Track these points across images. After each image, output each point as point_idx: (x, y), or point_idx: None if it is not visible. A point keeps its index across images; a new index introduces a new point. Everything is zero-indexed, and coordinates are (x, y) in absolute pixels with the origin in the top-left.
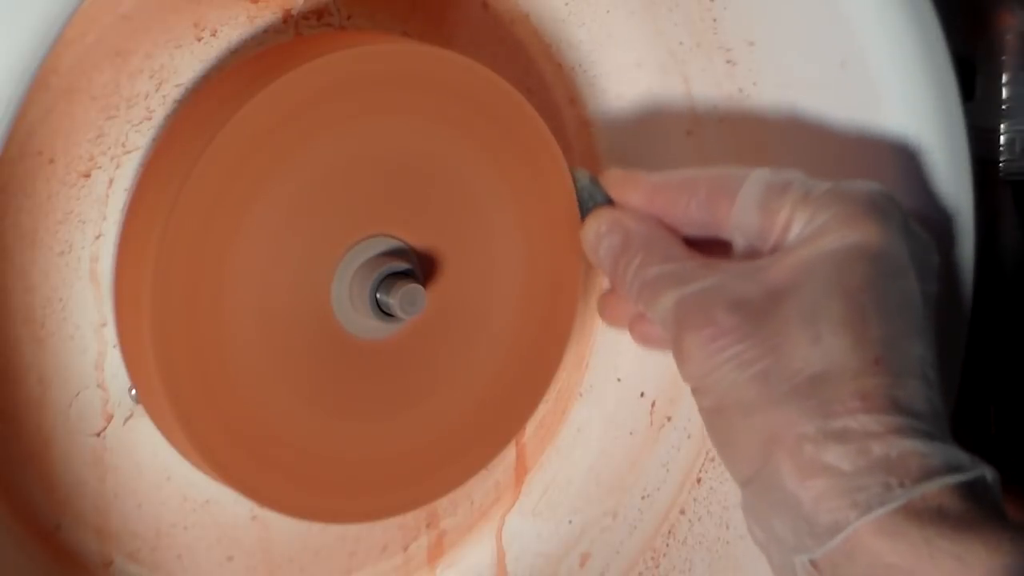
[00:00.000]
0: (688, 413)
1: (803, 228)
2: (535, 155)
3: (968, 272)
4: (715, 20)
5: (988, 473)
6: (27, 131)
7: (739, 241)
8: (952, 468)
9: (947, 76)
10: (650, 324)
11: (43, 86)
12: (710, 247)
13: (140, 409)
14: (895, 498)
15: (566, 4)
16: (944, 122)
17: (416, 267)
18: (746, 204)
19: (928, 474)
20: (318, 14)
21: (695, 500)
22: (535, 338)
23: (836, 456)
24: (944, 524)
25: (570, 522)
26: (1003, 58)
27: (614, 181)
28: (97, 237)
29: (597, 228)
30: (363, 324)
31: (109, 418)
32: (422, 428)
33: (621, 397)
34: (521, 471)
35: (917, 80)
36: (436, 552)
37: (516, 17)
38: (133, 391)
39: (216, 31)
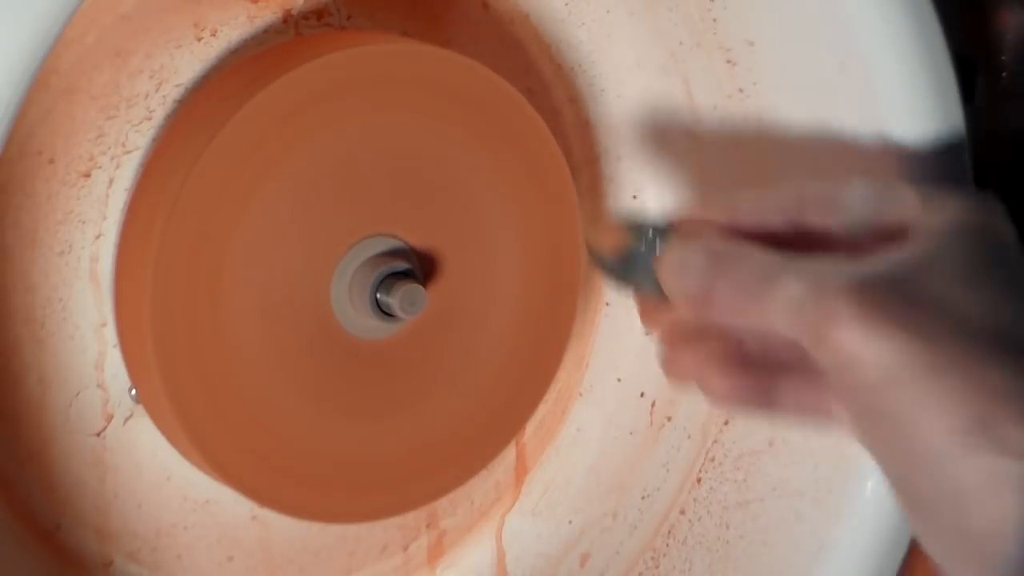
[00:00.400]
0: (688, 413)
1: (917, 219)
2: (535, 155)
3: None
4: (715, 20)
5: None
6: (27, 131)
7: (843, 239)
8: None
9: (947, 76)
10: (724, 376)
11: (43, 86)
12: None
13: (140, 409)
14: None
15: (566, 4)
16: (944, 122)
17: (416, 267)
18: (855, 204)
19: None
20: (318, 14)
21: (695, 500)
22: (535, 338)
23: None
24: None
25: (570, 522)
26: (1003, 58)
27: (689, 215)
28: (97, 237)
29: (678, 258)
30: (363, 324)
31: (109, 418)
32: (422, 428)
33: (621, 397)
34: (521, 471)
35: (917, 80)
36: (436, 552)
37: (516, 17)
38: (133, 391)
39: (216, 31)
